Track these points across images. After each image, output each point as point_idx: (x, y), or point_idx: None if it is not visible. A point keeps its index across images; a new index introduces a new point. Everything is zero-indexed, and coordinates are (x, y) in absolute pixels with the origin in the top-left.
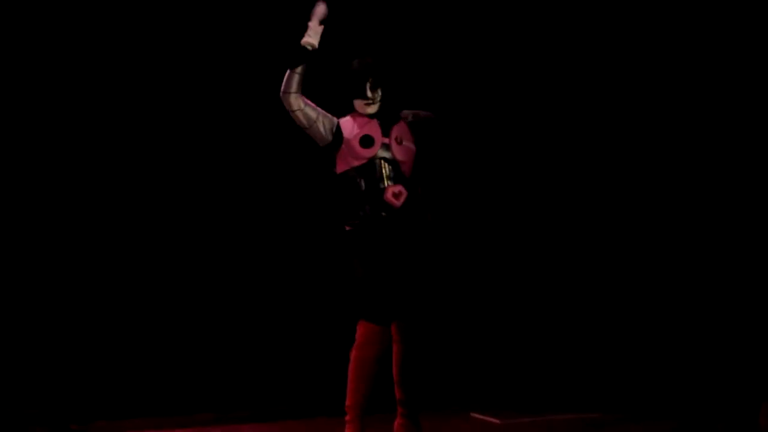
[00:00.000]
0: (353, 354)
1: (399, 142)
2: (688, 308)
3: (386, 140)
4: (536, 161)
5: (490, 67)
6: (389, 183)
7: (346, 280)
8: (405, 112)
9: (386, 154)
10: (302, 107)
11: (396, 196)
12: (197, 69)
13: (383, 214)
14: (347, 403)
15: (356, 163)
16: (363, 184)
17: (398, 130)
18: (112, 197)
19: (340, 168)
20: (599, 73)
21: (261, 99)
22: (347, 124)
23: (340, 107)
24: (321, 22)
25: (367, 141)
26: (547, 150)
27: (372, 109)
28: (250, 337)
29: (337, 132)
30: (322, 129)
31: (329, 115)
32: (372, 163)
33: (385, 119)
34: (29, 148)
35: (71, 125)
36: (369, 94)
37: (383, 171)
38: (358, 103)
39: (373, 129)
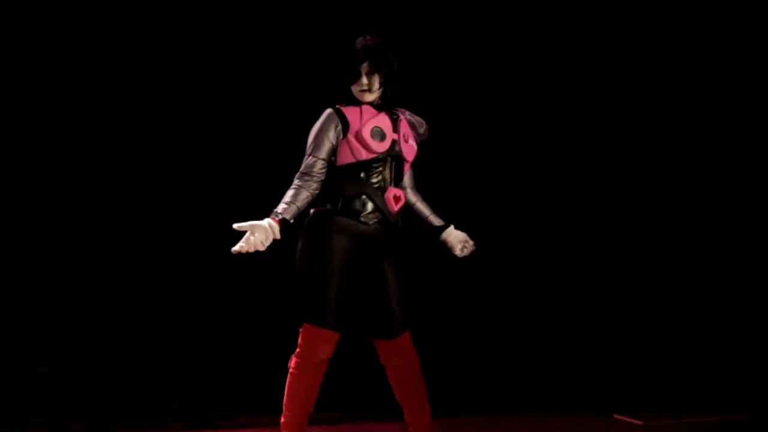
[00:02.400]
0: (294, 362)
1: (406, 140)
2: None
3: (395, 136)
4: (536, 163)
5: (490, 67)
6: (391, 184)
7: (297, 270)
8: (402, 110)
9: (394, 151)
10: (320, 176)
11: (396, 199)
12: (197, 70)
13: (379, 215)
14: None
15: (364, 157)
16: (366, 177)
17: (404, 126)
18: (114, 202)
19: (343, 160)
20: (598, 72)
21: (260, 99)
22: (353, 112)
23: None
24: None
25: (378, 133)
26: (547, 151)
27: (369, 98)
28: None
29: (342, 120)
30: (332, 145)
31: (328, 124)
32: (379, 159)
33: (391, 113)
34: (30, 149)
35: (71, 126)
36: (364, 80)
37: (389, 170)
38: (355, 90)
39: (384, 122)
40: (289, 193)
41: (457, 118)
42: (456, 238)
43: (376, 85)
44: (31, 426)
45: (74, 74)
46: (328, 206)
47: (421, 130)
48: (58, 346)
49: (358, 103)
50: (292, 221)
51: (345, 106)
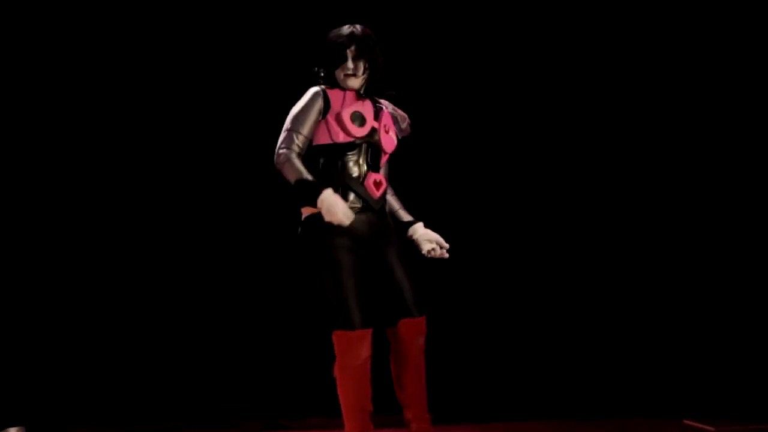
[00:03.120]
0: (338, 368)
1: (386, 131)
2: None
3: (376, 124)
4: (536, 164)
5: (486, 65)
6: (370, 170)
7: (307, 281)
8: (385, 102)
9: (373, 139)
10: (302, 145)
11: (377, 185)
12: (196, 70)
13: (362, 203)
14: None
15: (341, 140)
16: (342, 164)
17: (386, 117)
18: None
19: (320, 139)
20: (597, 72)
21: (260, 99)
22: (337, 95)
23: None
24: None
25: (358, 118)
26: (547, 153)
27: (353, 83)
28: None
29: (325, 100)
30: (315, 123)
31: (312, 102)
32: (356, 145)
33: (375, 103)
34: (30, 150)
35: (70, 126)
36: (350, 63)
37: (365, 156)
38: (339, 74)
39: (366, 108)
40: (292, 166)
41: (456, 115)
42: (423, 236)
43: (361, 70)
44: (99, 427)
45: (74, 74)
46: (306, 212)
47: (404, 125)
48: (128, 347)
49: (342, 89)
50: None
51: (330, 88)
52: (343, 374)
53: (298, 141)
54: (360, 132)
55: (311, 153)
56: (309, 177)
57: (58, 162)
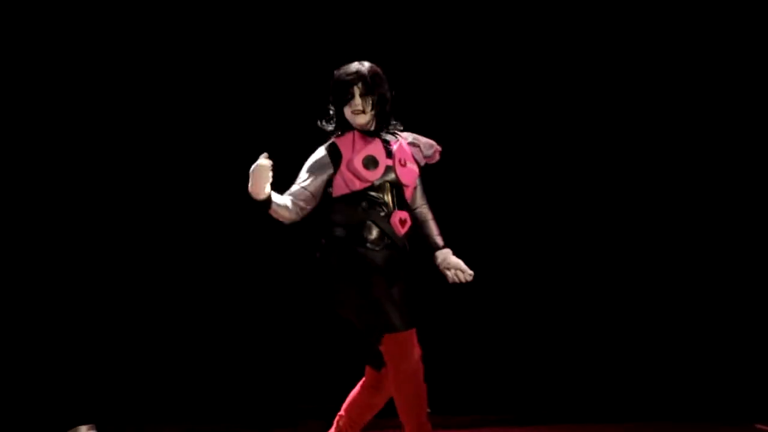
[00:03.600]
0: (393, 377)
1: (403, 164)
2: None
3: (390, 162)
4: (537, 164)
5: (485, 69)
6: (395, 208)
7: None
8: (404, 133)
9: (390, 177)
10: (304, 204)
11: (402, 222)
12: (196, 70)
13: (387, 240)
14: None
15: (357, 187)
16: (366, 205)
17: (401, 151)
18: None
19: (339, 191)
20: (596, 72)
21: (260, 101)
22: (346, 142)
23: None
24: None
25: (371, 162)
26: (547, 153)
27: (362, 119)
28: None
29: (335, 154)
30: (322, 180)
31: (317, 164)
32: (375, 187)
33: (386, 138)
34: (29, 150)
35: (70, 126)
36: (358, 101)
37: (389, 195)
38: (347, 112)
39: (377, 149)
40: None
41: (454, 119)
42: (446, 265)
43: (369, 107)
44: (166, 425)
45: (73, 74)
46: (335, 236)
47: (429, 152)
48: (192, 348)
49: (350, 127)
50: (270, 196)
51: (338, 137)
52: (399, 377)
53: (303, 197)
54: (374, 176)
55: (335, 204)
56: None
57: (66, 163)
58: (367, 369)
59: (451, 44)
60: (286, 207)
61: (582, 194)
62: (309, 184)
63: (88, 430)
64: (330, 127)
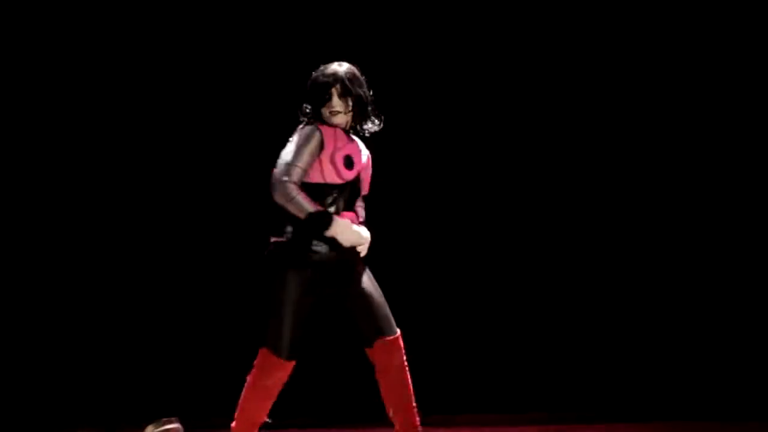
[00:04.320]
0: (250, 379)
1: (366, 174)
2: None
3: (361, 167)
4: (535, 162)
5: (480, 66)
6: (345, 208)
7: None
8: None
9: (356, 181)
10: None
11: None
12: (194, 70)
13: (334, 242)
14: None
15: (330, 181)
16: (324, 202)
17: (368, 159)
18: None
19: (312, 178)
20: (594, 72)
21: (258, 103)
22: (330, 134)
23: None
24: None
25: (350, 162)
26: (546, 151)
27: (339, 120)
28: None
29: (320, 139)
30: (312, 163)
31: (312, 140)
32: (341, 186)
33: (359, 142)
34: (29, 150)
35: (69, 127)
36: (336, 101)
37: (344, 197)
38: (325, 112)
39: (355, 150)
40: (305, 201)
41: (447, 118)
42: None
43: (347, 108)
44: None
45: (74, 75)
46: (285, 235)
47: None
48: (193, 346)
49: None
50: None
51: (323, 125)
52: (253, 389)
53: (298, 175)
54: (349, 176)
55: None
56: (319, 208)
57: (64, 162)
58: (375, 348)
59: (443, 44)
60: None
61: (589, 189)
62: (306, 165)
63: (171, 422)
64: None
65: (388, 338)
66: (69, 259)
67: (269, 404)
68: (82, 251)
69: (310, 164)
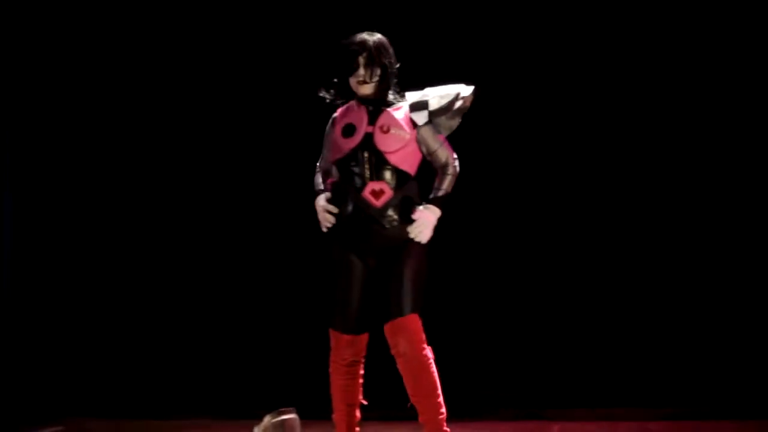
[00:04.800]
0: (330, 365)
1: (385, 131)
2: None
3: (370, 129)
4: (536, 160)
5: (487, 62)
6: (372, 178)
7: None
8: (416, 92)
9: (368, 146)
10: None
11: (377, 194)
12: (208, 71)
13: (362, 214)
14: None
15: (338, 156)
16: (347, 176)
17: (386, 117)
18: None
19: (333, 156)
20: (594, 71)
21: (261, 99)
22: (341, 111)
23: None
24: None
25: (348, 130)
26: (546, 149)
27: (366, 89)
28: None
29: (333, 123)
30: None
31: (326, 133)
32: (354, 156)
33: (379, 105)
34: (24, 149)
35: (69, 126)
36: (362, 71)
37: (368, 164)
38: (352, 82)
39: (359, 117)
40: (316, 181)
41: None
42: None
43: (373, 77)
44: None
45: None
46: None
47: (446, 104)
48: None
49: (353, 97)
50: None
51: (341, 106)
52: (332, 372)
53: (323, 160)
54: (349, 144)
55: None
56: (318, 187)
57: (63, 160)
58: (386, 330)
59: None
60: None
61: (601, 184)
62: (326, 154)
63: (287, 412)
64: (328, 98)
65: (393, 321)
66: (159, 257)
67: (354, 384)
68: (169, 249)
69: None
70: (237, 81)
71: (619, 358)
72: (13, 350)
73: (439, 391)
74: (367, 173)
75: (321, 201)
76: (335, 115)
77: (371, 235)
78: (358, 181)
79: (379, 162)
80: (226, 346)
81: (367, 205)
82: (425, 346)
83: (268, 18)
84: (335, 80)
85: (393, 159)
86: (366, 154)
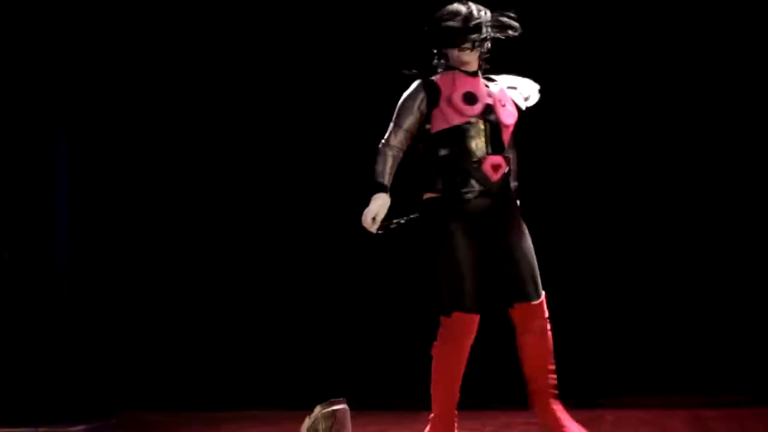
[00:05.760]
0: (439, 350)
1: (503, 105)
2: None
3: (490, 100)
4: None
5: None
6: (489, 151)
7: (426, 261)
8: (501, 76)
9: (490, 117)
10: (401, 150)
11: (495, 168)
12: (196, 70)
13: (481, 188)
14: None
15: (457, 121)
16: (461, 148)
17: (501, 92)
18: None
19: (438, 126)
20: (596, 71)
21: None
22: (446, 79)
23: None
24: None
25: (470, 98)
26: (565, 146)
27: (470, 58)
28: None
29: (433, 90)
30: (418, 117)
31: (410, 98)
32: (472, 126)
33: (488, 79)
34: (23, 149)
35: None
36: (469, 44)
37: (485, 136)
38: (453, 52)
39: (477, 87)
40: (380, 160)
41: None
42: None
43: (481, 50)
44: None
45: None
46: (435, 190)
47: (528, 93)
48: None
49: (452, 69)
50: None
51: (437, 75)
52: (440, 356)
53: (398, 137)
54: (473, 111)
55: (431, 141)
56: (382, 178)
57: (69, 159)
58: (515, 311)
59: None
60: (392, 169)
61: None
62: (405, 123)
63: (338, 403)
64: (413, 72)
65: (530, 303)
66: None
67: (460, 371)
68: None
69: (414, 122)
70: (252, 86)
71: (673, 346)
72: (73, 345)
73: None
74: (486, 145)
75: (380, 210)
76: (423, 84)
77: (488, 209)
78: (474, 154)
79: (495, 135)
80: (279, 340)
81: (486, 179)
82: None
83: (270, 18)
84: (434, 51)
85: (507, 133)
86: (487, 124)
